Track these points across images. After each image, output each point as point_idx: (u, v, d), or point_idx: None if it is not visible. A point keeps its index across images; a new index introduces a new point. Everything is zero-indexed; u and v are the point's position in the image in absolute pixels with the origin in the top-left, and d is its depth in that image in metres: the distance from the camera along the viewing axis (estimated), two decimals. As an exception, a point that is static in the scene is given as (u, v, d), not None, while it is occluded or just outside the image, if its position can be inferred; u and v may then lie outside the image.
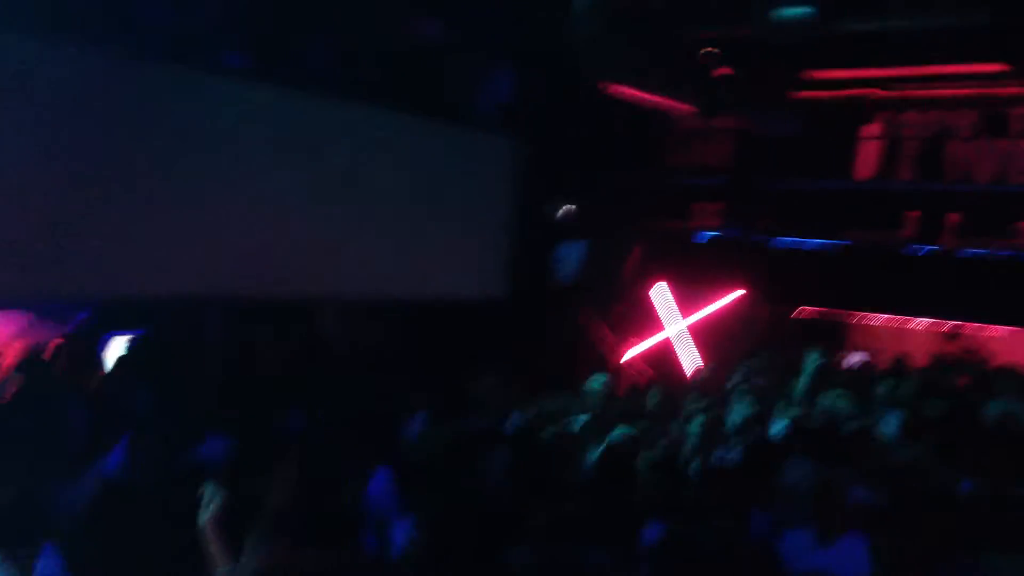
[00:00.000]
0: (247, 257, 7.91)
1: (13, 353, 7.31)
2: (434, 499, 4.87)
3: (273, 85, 8.04)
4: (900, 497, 5.54)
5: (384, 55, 9.02)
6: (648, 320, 12.15)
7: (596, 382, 7.68)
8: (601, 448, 6.17)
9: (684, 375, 10.83)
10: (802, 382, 9.02)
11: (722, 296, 12.15)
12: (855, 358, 11.50)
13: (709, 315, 12.20)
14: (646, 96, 9.91)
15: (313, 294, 8.50)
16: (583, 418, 6.87)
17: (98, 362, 7.75)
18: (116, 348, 7.92)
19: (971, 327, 11.56)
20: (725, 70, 9.63)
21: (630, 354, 11.55)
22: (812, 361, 9.36)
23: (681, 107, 10.65)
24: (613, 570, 4.33)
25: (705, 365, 10.73)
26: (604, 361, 10.73)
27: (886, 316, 11.88)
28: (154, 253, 7.28)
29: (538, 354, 9.36)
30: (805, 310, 12.15)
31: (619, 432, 6.33)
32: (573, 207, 10.69)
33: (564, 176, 10.55)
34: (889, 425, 7.50)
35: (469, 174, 9.49)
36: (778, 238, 12.14)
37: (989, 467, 5.94)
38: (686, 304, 12.27)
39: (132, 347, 7.82)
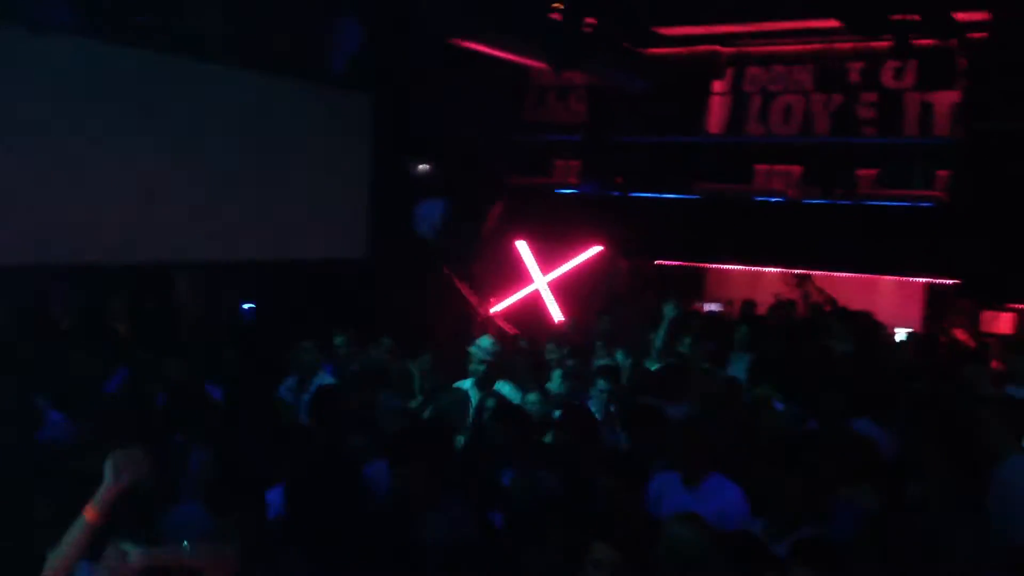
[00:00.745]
0: (92, 223, 7.50)
1: None
2: (302, 460, 4.73)
3: (104, 42, 7.60)
4: (753, 436, 5.77)
5: (225, 7, 8.62)
6: (511, 276, 12.21)
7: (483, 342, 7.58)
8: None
9: (548, 329, 10.92)
10: (660, 331, 9.27)
11: (582, 251, 12.32)
12: (710, 306, 11.91)
13: (570, 270, 12.36)
14: (498, 51, 9.83)
15: (166, 259, 8.15)
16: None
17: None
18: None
19: (817, 273, 12.09)
20: (575, 23, 9.64)
21: (494, 310, 11.59)
22: (668, 311, 9.63)
23: (535, 63, 10.63)
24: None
25: (567, 318, 10.86)
26: (468, 318, 10.72)
27: (739, 265, 12.29)
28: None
29: (402, 312, 9.24)
30: (663, 262, 12.44)
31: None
32: (432, 165, 10.58)
33: (422, 134, 10.40)
34: (737, 368, 7.81)
35: (323, 132, 9.28)
36: (634, 192, 12.35)
37: (829, 405, 6.26)
38: (548, 259, 12.39)
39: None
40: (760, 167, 12.31)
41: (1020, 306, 10.32)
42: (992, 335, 10.62)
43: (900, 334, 10.09)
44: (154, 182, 7.89)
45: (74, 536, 3.24)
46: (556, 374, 7.65)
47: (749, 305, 11.11)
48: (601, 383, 6.71)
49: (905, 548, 3.92)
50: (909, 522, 4.44)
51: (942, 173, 11.18)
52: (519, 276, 12.38)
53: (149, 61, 7.86)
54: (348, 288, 9.26)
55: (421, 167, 10.59)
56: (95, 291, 8.11)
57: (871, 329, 9.64)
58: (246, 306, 9.13)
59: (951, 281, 10.73)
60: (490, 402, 6.28)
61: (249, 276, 9.13)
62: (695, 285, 12.82)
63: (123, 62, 7.73)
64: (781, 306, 10.77)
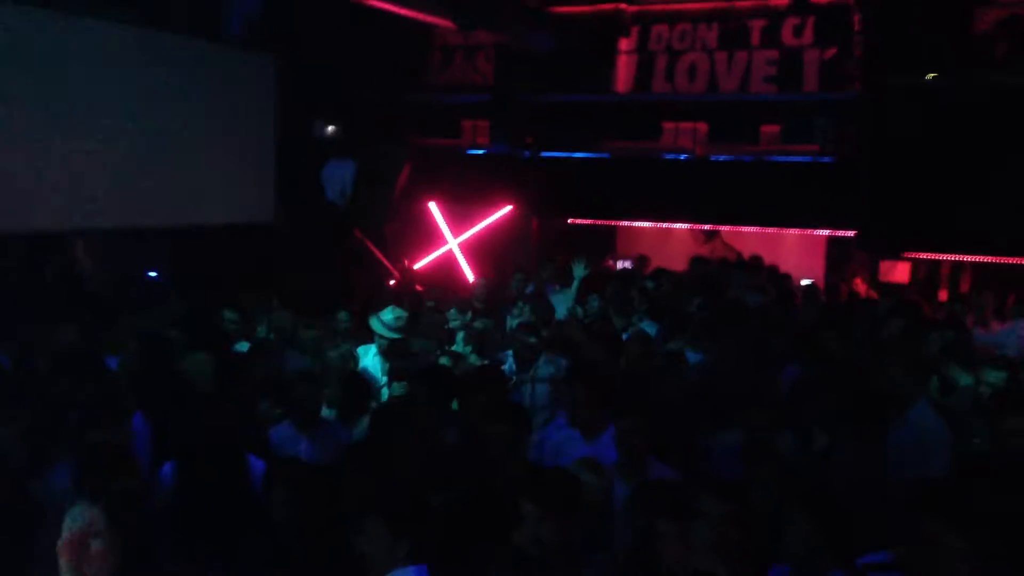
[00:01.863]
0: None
1: None
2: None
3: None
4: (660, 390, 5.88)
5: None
6: (424, 237, 12.15)
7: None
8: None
9: (461, 290, 10.92)
10: (572, 289, 9.37)
11: (493, 211, 12.32)
12: (622, 263, 12.06)
13: (482, 230, 12.36)
14: (403, 9, 9.68)
15: (62, 226, 7.85)
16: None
17: None
18: None
19: (724, 228, 12.33)
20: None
21: (409, 270, 11.53)
22: (579, 270, 9.72)
23: (440, 21, 10.50)
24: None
25: (479, 279, 10.87)
26: (379, 281, 10.63)
27: (648, 222, 12.45)
28: None
29: (312, 275, 9.11)
30: (574, 220, 12.52)
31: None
32: (338, 127, 10.40)
33: (328, 95, 10.21)
34: (649, 325, 7.94)
35: (226, 94, 9.02)
36: (544, 152, 12.36)
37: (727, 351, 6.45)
38: (459, 220, 12.36)
39: None
40: (668, 125, 12.45)
41: (915, 255, 10.71)
42: (890, 284, 11.05)
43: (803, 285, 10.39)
44: (50, 145, 7.58)
45: None
46: (459, 336, 7.68)
47: (642, 260, 11.31)
48: (527, 338, 6.70)
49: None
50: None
51: (841, 128, 11.48)
52: (431, 238, 12.34)
53: (44, 20, 7.51)
54: (256, 253, 9.08)
55: (327, 129, 10.41)
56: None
57: (778, 281, 9.93)
58: (150, 274, 8.89)
59: (850, 233, 11.07)
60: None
61: (153, 243, 8.88)
62: (606, 243, 12.95)
63: (16, 21, 7.37)
64: (699, 262, 10.98)
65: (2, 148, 7.31)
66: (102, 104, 7.97)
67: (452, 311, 8.21)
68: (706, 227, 12.41)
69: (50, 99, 7.62)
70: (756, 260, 11.02)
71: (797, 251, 12.21)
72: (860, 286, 10.45)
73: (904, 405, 5.17)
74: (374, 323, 6.80)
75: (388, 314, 6.82)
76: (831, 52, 11.76)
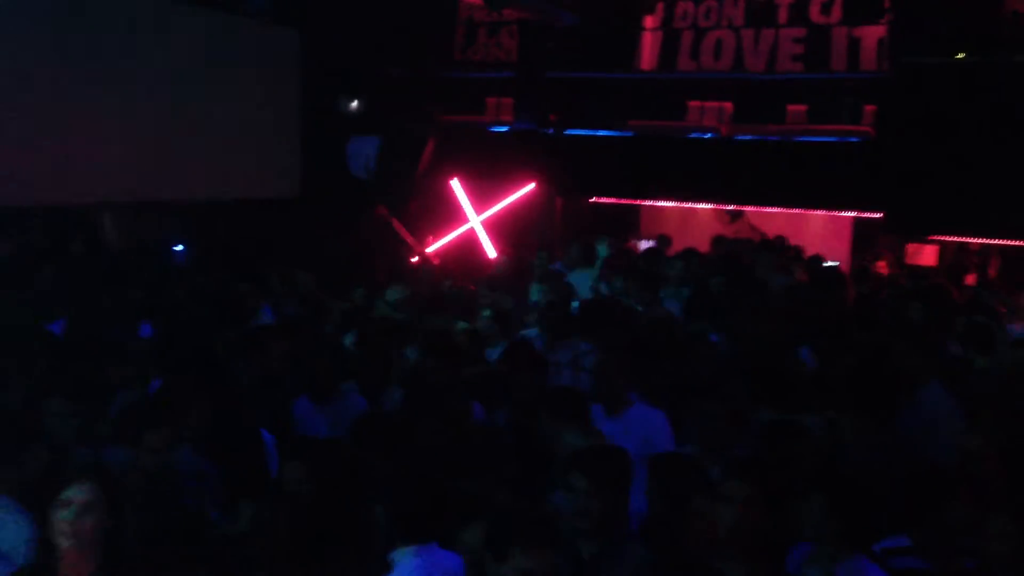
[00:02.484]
0: (13, 164, 7.22)
1: None
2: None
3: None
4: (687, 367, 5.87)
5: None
6: (446, 215, 12.15)
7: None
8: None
9: (483, 267, 10.93)
10: (596, 268, 9.34)
11: (516, 189, 12.29)
12: (645, 243, 12.00)
13: (504, 208, 12.34)
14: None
15: (91, 199, 7.90)
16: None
17: None
18: None
19: (749, 209, 12.25)
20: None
21: (429, 249, 11.55)
22: (602, 249, 9.71)
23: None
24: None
25: (501, 257, 10.86)
26: (402, 256, 10.66)
27: (673, 201, 12.38)
28: None
29: (335, 251, 9.15)
30: (597, 199, 12.47)
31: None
32: (363, 102, 10.39)
33: (353, 70, 10.20)
34: (672, 304, 7.91)
35: (252, 67, 9.02)
36: (568, 129, 12.31)
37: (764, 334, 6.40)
38: (482, 198, 12.34)
39: None
40: (693, 103, 12.35)
41: (942, 238, 10.60)
42: (916, 267, 10.94)
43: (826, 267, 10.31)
44: (77, 118, 7.62)
45: None
46: (484, 314, 7.68)
47: (664, 240, 11.25)
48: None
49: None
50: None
51: (869, 108, 11.35)
52: (453, 215, 12.33)
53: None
54: (280, 227, 9.11)
55: (352, 104, 10.40)
56: (19, 233, 7.86)
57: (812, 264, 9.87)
58: (176, 248, 8.94)
59: (877, 215, 10.96)
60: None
61: (179, 216, 8.93)
62: (629, 222, 12.89)
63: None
64: (721, 243, 10.92)
65: (33, 123, 7.35)
66: (128, 77, 8.00)
67: (483, 288, 8.20)
68: (731, 207, 12.32)
69: (80, 71, 7.65)
70: (780, 241, 10.96)
71: (823, 232, 12.12)
72: (884, 269, 10.35)
73: (915, 386, 5.17)
74: (379, 305, 6.83)
75: (392, 294, 6.85)
76: (861, 30, 11.60)
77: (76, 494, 3.11)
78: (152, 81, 8.14)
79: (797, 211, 11.83)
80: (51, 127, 7.48)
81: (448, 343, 5.83)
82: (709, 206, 12.40)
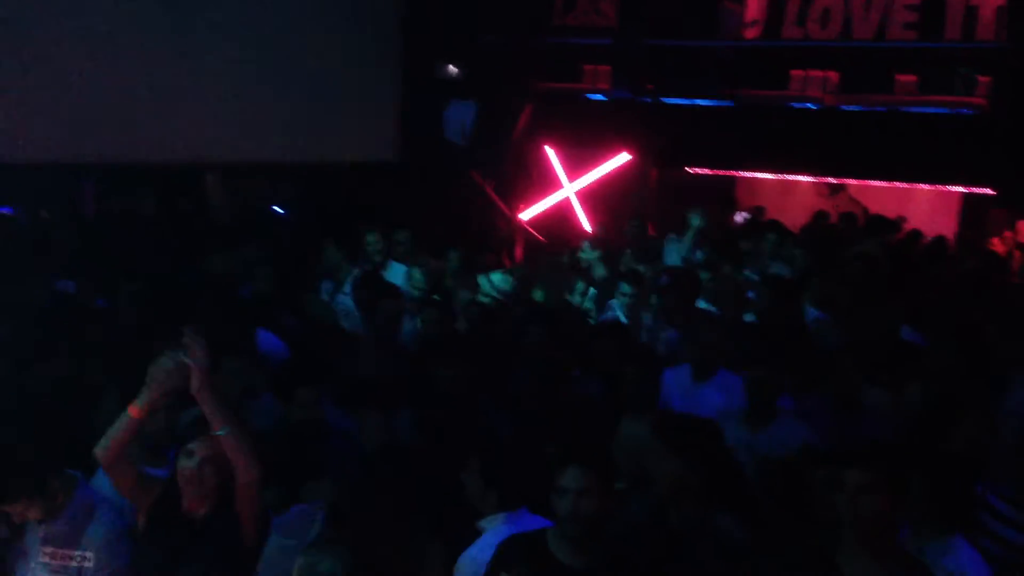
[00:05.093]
0: (121, 121, 7.44)
1: None
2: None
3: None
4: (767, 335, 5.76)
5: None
6: (540, 183, 12.11)
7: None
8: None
9: (577, 237, 10.88)
10: (686, 241, 9.22)
11: (611, 158, 12.16)
12: (741, 216, 11.79)
13: (600, 177, 12.23)
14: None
15: (195, 158, 8.11)
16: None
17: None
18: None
19: (852, 182, 11.90)
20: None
21: (525, 215, 11.53)
22: (695, 221, 9.57)
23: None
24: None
25: (597, 225, 10.80)
26: (497, 224, 10.68)
27: (773, 173, 12.10)
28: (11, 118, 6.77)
29: (432, 216, 9.21)
30: (694, 170, 12.27)
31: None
32: (461, 68, 10.40)
33: (451, 35, 10.20)
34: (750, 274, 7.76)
35: (353, 32, 9.10)
36: (665, 98, 12.10)
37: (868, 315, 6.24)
38: (576, 166, 12.26)
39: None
40: (796, 72, 11.99)
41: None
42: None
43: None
44: (182, 80, 7.81)
45: (118, 430, 3.41)
46: (579, 286, 7.65)
47: (759, 212, 10.99)
48: (624, 287, 6.70)
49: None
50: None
51: (984, 79, 10.85)
52: (548, 183, 12.28)
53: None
54: (378, 190, 9.21)
55: (451, 69, 10.42)
56: (125, 189, 8.12)
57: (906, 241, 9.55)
58: (277, 209, 9.13)
59: (988, 191, 10.52)
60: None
61: (279, 177, 9.10)
62: (726, 194, 12.65)
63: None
64: (820, 216, 10.65)
65: (138, 83, 7.56)
66: (228, 38, 8.14)
67: (585, 244, 8.19)
68: (832, 180, 11.98)
69: (183, 34, 7.83)
70: (888, 221, 10.55)
71: (928, 208, 11.71)
72: (999, 246, 9.95)
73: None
74: (482, 282, 6.89)
75: (498, 277, 6.88)
76: (977, -1, 11.07)
77: (197, 446, 3.42)
78: (252, 43, 8.27)
79: (902, 185, 11.44)
80: (152, 87, 7.66)
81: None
82: (809, 179, 12.07)
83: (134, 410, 3.39)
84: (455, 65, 10.39)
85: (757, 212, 11.12)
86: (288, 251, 7.23)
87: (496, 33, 10.69)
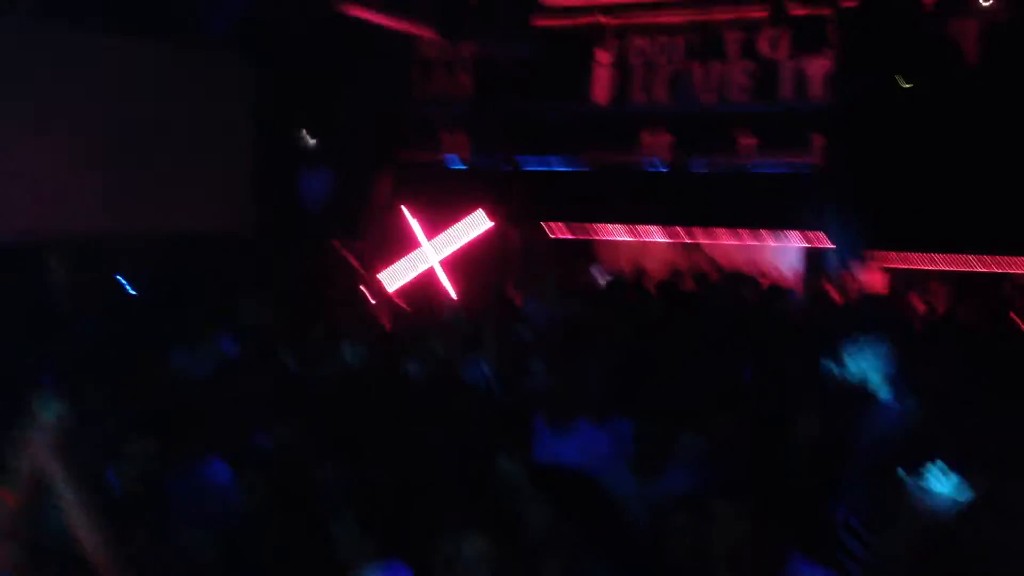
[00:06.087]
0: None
1: None
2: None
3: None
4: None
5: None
6: (403, 252, 12.11)
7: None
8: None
9: (442, 305, 10.92)
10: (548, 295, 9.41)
11: (474, 223, 12.29)
12: (597, 271, 12.10)
13: (463, 244, 12.33)
14: (387, 20, 9.75)
15: (33, 236, 7.82)
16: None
17: None
18: None
19: (704, 237, 12.39)
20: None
21: (389, 287, 11.48)
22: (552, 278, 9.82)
23: (423, 32, 10.58)
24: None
25: (461, 291, 10.86)
26: (358, 294, 10.61)
27: (628, 231, 12.51)
28: None
29: (291, 285, 9.11)
30: (555, 231, 12.56)
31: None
32: (317, 135, 10.43)
33: (306, 103, 10.24)
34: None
35: (202, 99, 9.03)
36: (524, 164, 12.42)
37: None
38: (438, 233, 12.32)
39: None
40: (646, 135, 12.52)
41: (891, 263, 10.81)
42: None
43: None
44: (19, 153, 7.56)
45: None
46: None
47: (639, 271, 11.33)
48: None
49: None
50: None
51: (816, 137, 11.57)
52: (411, 251, 12.28)
53: (11, 28, 7.51)
54: (234, 262, 9.06)
55: (306, 137, 10.43)
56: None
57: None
58: (124, 283, 8.85)
59: (827, 242, 11.14)
60: None
61: (127, 251, 8.85)
62: (587, 255, 12.97)
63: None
64: (677, 270, 11.04)
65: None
66: (73, 108, 7.96)
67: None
68: (684, 237, 12.46)
69: (19, 104, 7.61)
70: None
71: (775, 262, 12.26)
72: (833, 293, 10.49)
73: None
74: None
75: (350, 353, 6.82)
76: (807, 62, 11.85)
77: None
78: (98, 113, 8.12)
79: (751, 243, 11.99)
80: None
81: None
82: (663, 237, 12.52)
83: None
84: (311, 133, 10.42)
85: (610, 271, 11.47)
86: (137, 325, 6.99)
87: (354, 102, 10.78)
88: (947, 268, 10.62)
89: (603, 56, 13.01)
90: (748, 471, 4.25)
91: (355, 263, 11.03)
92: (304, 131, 10.45)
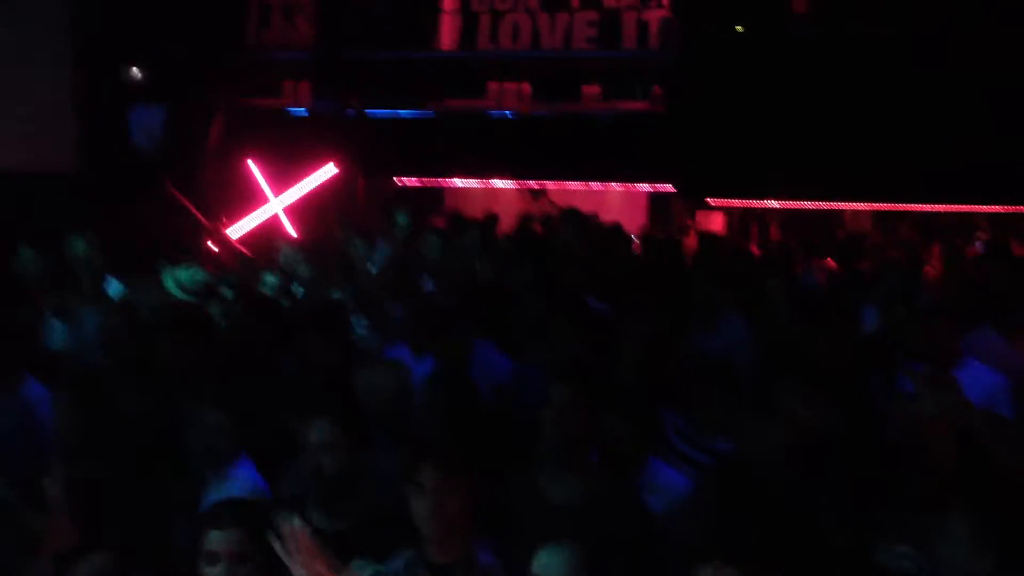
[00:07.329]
0: None
1: None
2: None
3: None
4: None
5: None
6: (245, 199, 11.71)
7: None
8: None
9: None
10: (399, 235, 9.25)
11: (318, 171, 12.00)
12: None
13: (309, 191, 12.01)
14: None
15: None
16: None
17: None
18: None
19: (551, 185, 12.50)
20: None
21: (233, 233, 11.08)
22: (401, 219, 9.66)
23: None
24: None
25: (303, 239, 10.56)
26: (192, 238, 10.17)
27: (476, 180, 12.47)
28: None
29: (120, 228, 8.60)
30: (403, 180, 12.39)
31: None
32: (146, 72, 9.87)
33: (132, 38, 9.67)
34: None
35: (16, 28, 8.38)
36: (369, 110, 12.17)
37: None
38: (283, 181, 11.97)
39: None
40: (492, 84, 12.49)
41: (728, 203, 11.19)
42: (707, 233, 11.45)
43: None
44: None
45: None
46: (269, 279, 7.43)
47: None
48: None
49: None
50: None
51: (658, 86, 11.81)
52: (254, 199, 11.89)
53: None
54: (58, 203, 8.48)
55: (134, 73, 9.86)
56: None
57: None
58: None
59: (669, 187, 11.42)
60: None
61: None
62: (435, 202, 12.87)
63: None
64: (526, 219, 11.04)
65: None
66: None
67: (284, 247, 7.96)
68: (532, 185, 12.53)
69: None
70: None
71: (619, 207, 12.48)
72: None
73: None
74: (167, 280, 6.47)
75: (184, 274, 6.48)
76: (648, 12, 12.06)
77: None
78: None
79: (596, 187, 12.16)
80: None
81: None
82: (511, 184, 12.55)
83: None
84: (139, 69, 9.85)
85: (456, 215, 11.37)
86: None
87: (182, 42, 10.27)
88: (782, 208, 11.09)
89: (448, 2, 12.86)
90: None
91: (190, 206, 10.56)
92: (131, 66, 9.86)
